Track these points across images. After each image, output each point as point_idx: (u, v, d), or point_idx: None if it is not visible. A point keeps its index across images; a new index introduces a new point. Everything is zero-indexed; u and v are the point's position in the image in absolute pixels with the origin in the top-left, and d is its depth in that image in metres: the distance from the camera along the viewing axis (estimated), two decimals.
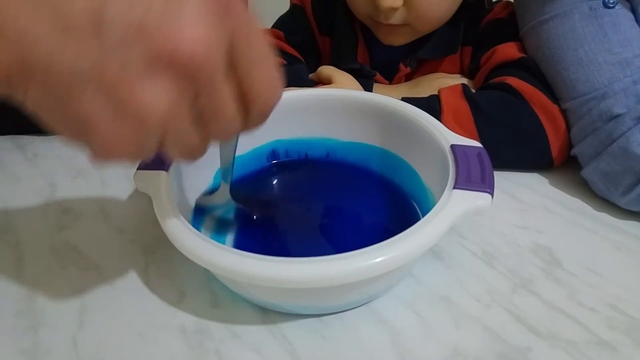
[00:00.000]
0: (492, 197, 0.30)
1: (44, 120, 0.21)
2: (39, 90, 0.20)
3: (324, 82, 0.51)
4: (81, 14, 0.18)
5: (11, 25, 0.18)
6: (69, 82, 0.19)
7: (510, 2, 0.55)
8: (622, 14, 0.44)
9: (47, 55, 0.19)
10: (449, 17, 0.52)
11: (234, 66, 0.21)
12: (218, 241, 0.29)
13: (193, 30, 0.19)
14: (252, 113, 0.23)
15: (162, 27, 0.19)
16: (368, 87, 0.52)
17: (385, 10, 0.48)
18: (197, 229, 0.30)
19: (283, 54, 0.56)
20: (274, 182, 0.43)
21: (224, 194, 0.35)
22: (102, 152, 0.21)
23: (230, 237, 0.37)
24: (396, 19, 0.49)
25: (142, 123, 0.20)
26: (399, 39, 0.53)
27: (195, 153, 0.24)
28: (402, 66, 0.56)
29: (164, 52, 0.19)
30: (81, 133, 0.21)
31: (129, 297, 0.34)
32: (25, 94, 0.20)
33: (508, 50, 0.50)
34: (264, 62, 0.22)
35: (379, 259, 0.26)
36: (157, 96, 0.20)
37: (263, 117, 0.24)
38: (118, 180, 0.45)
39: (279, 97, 0.24)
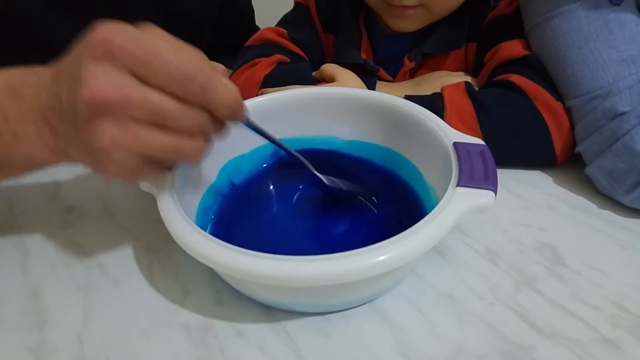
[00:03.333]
0: (496, 194, 0.30)
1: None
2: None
3: (327, 80, 0.51)
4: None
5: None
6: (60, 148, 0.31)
7: None
8: (628, 11, 0.43)
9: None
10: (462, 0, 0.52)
11: (146, 80, 0.27)
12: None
13: (94, 84, 0.26)
14: (195, 99, 0.28)
15: (75, 93, 0.26)
16: (371, 85, 0.51)
17: None
18: (202, 228, 0.30)
19: (287, 52, 0.56)
20: (277, 180, 0.43)
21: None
22: (112, 177, 0.30)
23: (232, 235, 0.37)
24: (411, 0, 0.49)
25: (109, 154, 0.27)
26: (411, 24, 0.53)
27: (185, 153, 0.29)
28: (406, 61, 0.55)
29: (88, 108, 0.26)
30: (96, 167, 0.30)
31: (133, 295, 0.34)
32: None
33: (512, 48, 0.50)
34: (163, 65, 0.26)
35: (382, 257, 0.26)
36: (107, 134, 0.27)
37: (203, 95, 0.28)
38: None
39: (201, 72, 0.27)
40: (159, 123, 0.28)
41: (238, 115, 0.31)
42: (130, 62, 0.26)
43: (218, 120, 0.30)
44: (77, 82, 0.26)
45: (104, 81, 0.26)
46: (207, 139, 0.31)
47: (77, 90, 0.26)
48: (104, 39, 0.26)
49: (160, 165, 0.31)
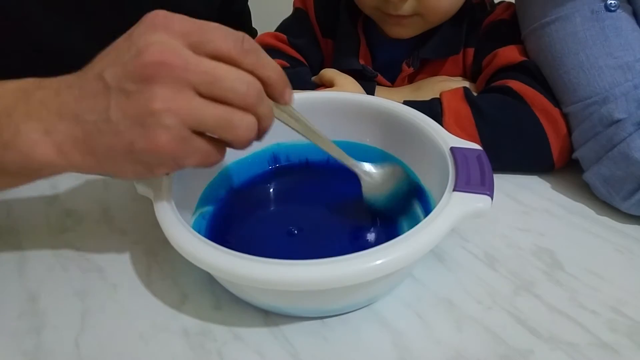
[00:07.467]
0: (492, 199, 0.30)
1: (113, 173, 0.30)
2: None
3: (326, 85, 0.51)
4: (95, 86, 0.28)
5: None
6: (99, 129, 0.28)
7: (511, 3, 0.55)
8: (624, 17, 0.44)
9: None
10: (458, 7, 0.52)
11: (199, 49, 0.27)
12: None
13: (152, 48, 0.26)
14: (245, 66, 0.28)
15: (133, 61, 0.27)
16: (370, 90, 0.52)
17: (395, 0, 0.48)
18: (199, 231, 0.30)
19: (286, 57, 0.56)
20: (275, 186, 0.43)
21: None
22: (160, 164, 0.29)
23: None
24: (405, 9, 0.49)
25: (159, 119, 0.26)
26: (406, 31, 0.53)
27: (236, 126, 0.29)
28: (404, 66, 0.56)
29: (145, 70, 0.26)
30: (138, 160, 0.28)
31: (131, 299, 0.34)
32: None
33: (509, 54, 0.50)
34: (216, 32, 0.28)
35: (379, 261, 0.26)
36: (160, 97, 0.26)
37: (255, 63, 0.28)
38: (120, 183, 0.45)
39: (247, 41, 0.29)
40: (213, 93, 0.27)
41: (285, 92, 0.31)
42: (185, 32, 0.27)
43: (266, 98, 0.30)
44: (133, 53, 0.26)
45: (161, 45, 0.26)
46: (257, 117, 0.29)
47: (134, 58, 0.26)
48: (160, 15, 0.28)
49: (210, 147, 0.29)
